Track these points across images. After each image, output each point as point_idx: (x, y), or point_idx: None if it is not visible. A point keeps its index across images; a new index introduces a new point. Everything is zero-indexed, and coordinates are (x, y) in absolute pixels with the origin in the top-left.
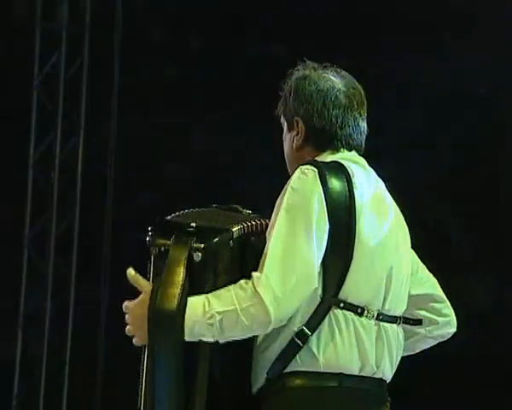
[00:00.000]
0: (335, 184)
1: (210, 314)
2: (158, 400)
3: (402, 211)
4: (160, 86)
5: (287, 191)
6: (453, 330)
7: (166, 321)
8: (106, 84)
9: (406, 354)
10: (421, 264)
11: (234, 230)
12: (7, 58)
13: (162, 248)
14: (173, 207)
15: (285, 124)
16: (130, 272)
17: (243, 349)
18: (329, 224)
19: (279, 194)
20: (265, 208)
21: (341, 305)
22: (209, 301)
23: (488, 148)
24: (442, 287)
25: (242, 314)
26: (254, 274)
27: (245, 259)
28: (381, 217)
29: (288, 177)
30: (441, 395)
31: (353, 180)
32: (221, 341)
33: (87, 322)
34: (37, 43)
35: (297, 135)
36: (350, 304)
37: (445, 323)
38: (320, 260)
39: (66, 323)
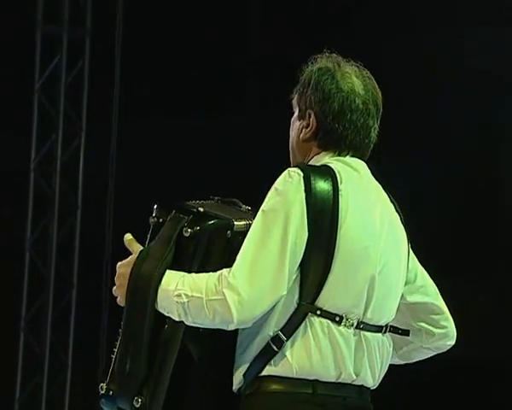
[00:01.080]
0: (320, 189)
1: (178, 293)
2: (123, 361)
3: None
4: (161, 88)
5: (270, 193)
6: (451, 342)
7: (142, 283)
8: (107, 86)
9: (404, 362)
10: (421, 272)
11: (236, 223)
12: (8, 61)
13: (161, 220)
14: None
15: (297, 110)
16: (128, 236)
17: (228, 344)
18: (309, 231)
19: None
20: None
21: (318, 312)
22: (183, 281)
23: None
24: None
25: (207, 306)
26: (224, 272)
27: (234, 254)
28: (368, 225)
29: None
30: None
31: (340, 187)
32: (187, 323)
33: (89, 325)
34: (39, 47)
35: (306, 127)
36: (327, 312)
37: (442, 335)
38: (295, 268)
39: (67, 326)
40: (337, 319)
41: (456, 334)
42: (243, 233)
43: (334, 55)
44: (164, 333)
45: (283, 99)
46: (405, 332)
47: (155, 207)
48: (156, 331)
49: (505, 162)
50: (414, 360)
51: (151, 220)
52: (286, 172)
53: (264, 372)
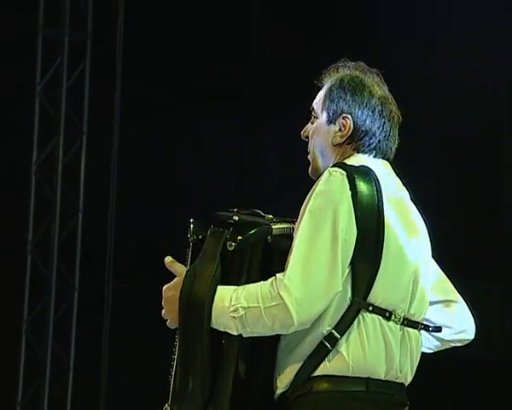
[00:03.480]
0: (364, 188)
1: (235, 307)
2: (184, 376)
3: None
4: (162, 91)
5: (314, 193)
6: (470, 337)
7: (196, 304)
8: (108, 89)
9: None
10: (439, 270)
11: (274, 227)
12: (9, 64)
13: (200, 236)
14: (176, 211)
15: (323, 115)
16: (168, 258)
17: (271, 350)
18: (357, 228)
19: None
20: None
21: (370, 308)
22: (237, 295)
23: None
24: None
25: (265, 314)
26: (278, 276)
27: (275, 258)
28: (405, 224)
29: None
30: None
31: (381, 185)
32: (244, 335)
33: (90, 328)
34: (40, 49)
35: (340, 131)
36: (378, 308)
37: (461, 330)
38: (347, 264)
39: (69, 328)
40: (387, 314)
41: (474, 329)
42: (281, 237)
43: (360, 62)
44: (221, 348)
45: (283, 99)
46: (437, 329)
47: (191, 222)
48: (214, 347)
49: (508, 162)
50: (433, 350)
51: (190, 238)
52: (327, 173)
53: (317, 372)
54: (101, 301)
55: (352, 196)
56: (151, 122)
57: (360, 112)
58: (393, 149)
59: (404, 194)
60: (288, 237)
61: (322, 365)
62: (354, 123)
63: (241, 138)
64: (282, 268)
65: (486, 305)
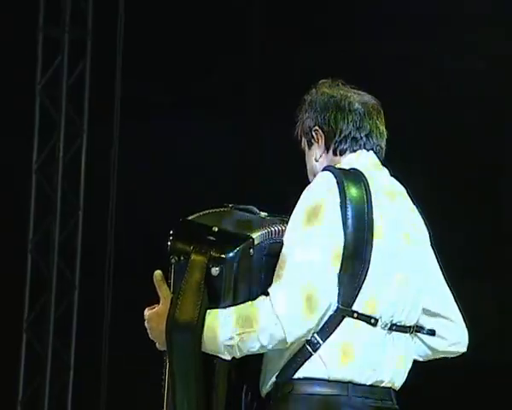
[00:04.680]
0: (354, 193)
1: (230, 336)
2: (179, 402)
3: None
4: (163, 90)
5: (303, 201)
6: (463, 350)
7: (184, 336)
8: (108, 88)
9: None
10: (439, 276)
11: (255, 236)
12: (10, 63)
13: (182, 257)
14: (176, 211)
15: (305, 143)
16: (157, 275)
17: (258, 354)
18: (345, 236)
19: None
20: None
21: (355, 315)
22: (230, 322)
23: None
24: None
25: (261, 335)
26: (272, 293)
27: (263, 265)
28: (397, 225)
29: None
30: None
31: (371, 190)
32: (237, 357)
33: (91, 326)
34: (40, 48)
35: (318, 144)
36: (364, 315)
37: (454, 342)
38: (337, 272)
39: (70, 327)
40: (372, 321)
41: (467, 342)
42: (260, 244)
43: (321, 81)
44: (214, 367)
45: (283, 99)
46: (431, 332)
47: (170, 236)
48: (206, 368)
49: (508, 162)
50: (424, 359)
51: (172, 259)
52: (319, 177)
53: (298, 375)
54: (102, 299)
55: (341, 203)
56: (151, 121)
57: (322, 117)
58: (376, 137)
59: (398, 191)
60: (272, 240)
61: (302, 368)
62: (322, 130)
63: (241, 138)
64: (268, 273)
65: (486, 305)
